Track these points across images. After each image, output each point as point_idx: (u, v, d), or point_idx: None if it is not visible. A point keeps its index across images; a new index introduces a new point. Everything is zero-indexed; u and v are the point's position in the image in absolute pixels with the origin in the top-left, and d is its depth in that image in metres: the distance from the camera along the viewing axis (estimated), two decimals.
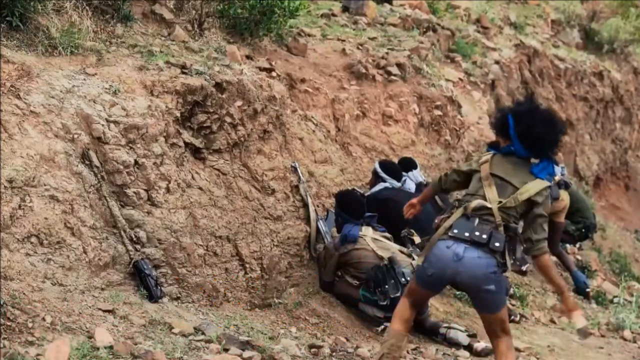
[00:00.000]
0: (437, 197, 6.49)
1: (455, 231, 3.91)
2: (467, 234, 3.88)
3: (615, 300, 8.08)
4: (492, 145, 7.98)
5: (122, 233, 4.56)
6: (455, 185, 4.26)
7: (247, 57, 6.37)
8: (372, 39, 8.36)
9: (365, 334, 5.33)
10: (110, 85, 4.90)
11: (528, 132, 3.92)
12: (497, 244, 3.86)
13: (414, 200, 4.64)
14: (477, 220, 3.89)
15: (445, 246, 3.90)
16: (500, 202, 3.90)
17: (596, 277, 8.70)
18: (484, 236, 3.86)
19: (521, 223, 3.97)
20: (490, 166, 3.99)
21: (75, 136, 4.51)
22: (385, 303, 5.31)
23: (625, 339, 6.86)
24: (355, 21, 8.81)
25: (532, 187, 3.92)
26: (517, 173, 3.98)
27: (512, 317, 6.40)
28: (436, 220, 4.07)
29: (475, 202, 3.92)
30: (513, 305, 6.84)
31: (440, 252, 3.92)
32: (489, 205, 3.90)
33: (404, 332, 4.09)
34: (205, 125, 5.34)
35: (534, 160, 4.04)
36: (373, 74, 7.55)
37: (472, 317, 6.06)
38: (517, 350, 5.50)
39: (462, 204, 3.99)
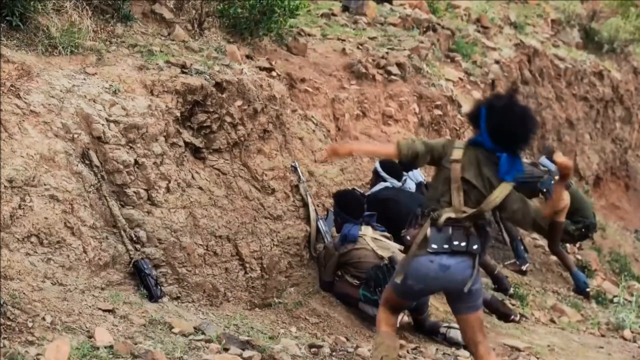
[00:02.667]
0: None
1: (434, 246, 3.83)
2: (446, 246, 3.83)
3: (615, 300, 8.08)
4: None
5: (122, 233, 4.56)
6: (414, 159, 3.96)
7: (247, 56, 6.37)
8: (372, 38, 8.36)
9: (365, 333, 5.33)
10: (110, 85, 4.91)
11: (498, 128, 3.86)
12: (475, 247, 3.85)
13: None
14: (450, 230, 3.82)
15: (429, 260, 3.83)
16: (464, 212, 3.83)
17: (596, 277, 8.70)
18: (463, 244, 3.83)
19: (490, 216, 3.96)
20: (462, 169, 3.85)
21: (75, 136, 4.51)
22: None
23: (625, 339, 6.86)
24: (355, 21, 8.81)
25: (499, 195, 3.84)
26: (484, 175, 3.87)
27: (512, 317, 6.41)
28: (408, 237, 3.96)
29: (444, 216, 3.82)
30: (513, 305, 6.84)
31: (424, 267, 3.85)
32: (455, 217, 3.83)
33: (392, 332, 4.10)
34: (205, 124, 5.34)
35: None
36: (373, 74, 7.55)
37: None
38: (517, 350, 5.51)
39: (429, 213, 3.87)
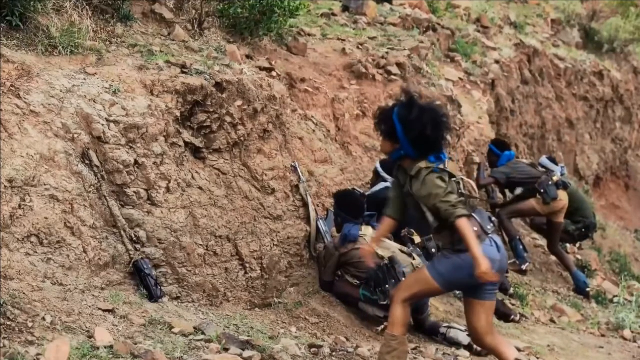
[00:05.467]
0: None
1: (489, 227, 4.05)
2: (490, 227, 4.05)
3: (615, 299, 8.09)
4: (494, 143, 8.02)
5: (122, 233, 4.56)
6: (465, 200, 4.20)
7: (247, 56, 6.37)
8: (372, 38, 8.36)
9: (365, 333, 5.33)
10: (110, 85, 4.90)
11: (419, 138, 3.99)
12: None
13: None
14: (481, 210, 4.08)
15: (487, 246, 3.97)
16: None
17: (596, 277, 8.71)
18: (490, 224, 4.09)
19: None
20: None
21: (75, 136, 4.51)
22: (385, 303, 5.31)
23: (625, 339, 6.87)
24: (355, 21, 8.81)
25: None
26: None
27: (512, 316, 6.41)
28: (475, 228, 3.99)
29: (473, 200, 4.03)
30: (513, 305, 6.84)
31: (490, 252, 3.96)
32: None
33: (406, 334, 4.19)
34: (205, 125, 5.34)
35: None
36: (373, 74, 7.55)
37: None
38: (517, 350, 5.50)
39: (465, 199, 4.04)
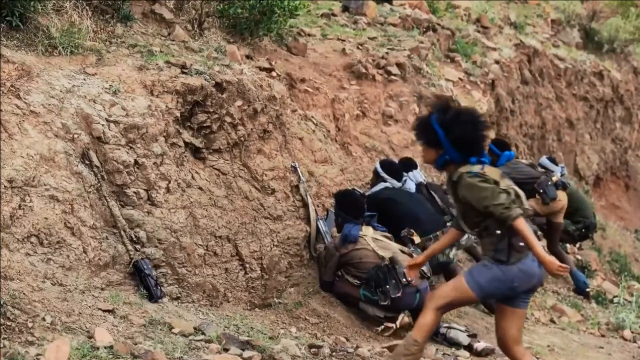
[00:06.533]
0: (436, 197, 6.50)
1: None
2: None
3: (615, 300, 8.09)
4: (494, 143, 8.02)
5: (122, 233, 4.55)
6: (520, 201, 4.08)
7: (247, 57, 6.37)
8: (372, 38, 8.36)
9: (365, 333, 5.33)
10: (110, 85, 4.90)
11: (461, 138, 3.96)
12: None
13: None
14: (529, 222, 4.14)
15: (531, 259, 3.91)
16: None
17: (596, 277, 8.71)
18: None
19: None
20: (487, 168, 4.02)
21: (75, 136, 4.51)
22: (386, 303, 5.31)
23: (625, 339, 6.87)
24: (355, 21, 8.81)
25: None
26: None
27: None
28: (521, 244, 3.92)
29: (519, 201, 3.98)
30: None
31: (531, 268, 3.93)
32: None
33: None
34: (205, 125, 5.34)
35: None
36: (373, 74, 7.56)
37: (472, 317, 6.06)
38: None
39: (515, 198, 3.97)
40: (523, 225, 3.80)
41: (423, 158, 4.29)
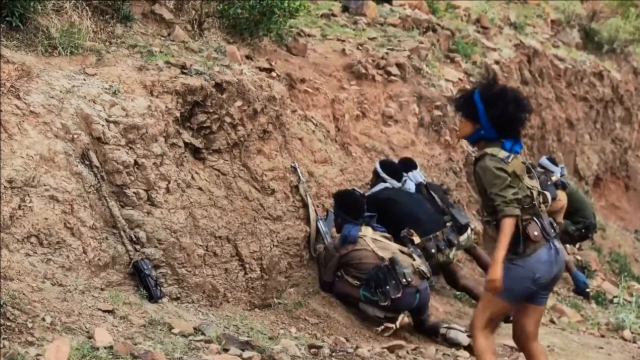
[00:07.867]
0: (436, 197, 6.50)
1: (551, 232, 3.95)
2: (552, 231, 3.96)
3: (615, 300, 8.09)
4: None
5: (122, 233, 4.56)
6: (518, 200, 3.92)
7: (247, 57, 6.37)
8: (372, 39, 8.36)
9: (365, 334, 5.33)
10: (110, 85, 4.91)
11: (501, 115, 3.89)
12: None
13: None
14: (544, 215, 3.95)
15: (547, 249, 3.88)
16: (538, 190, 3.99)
17: (596, 277, 8.70)
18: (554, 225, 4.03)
19: None
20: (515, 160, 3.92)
21: (75, 136, 4.51)
22: (386, 303, 5.31)
23: (625, 339, 6.86)
24: (355, 21, 8.80)
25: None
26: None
27: (512, 317, 6.40)
28: (536, 233, 3.87)
29: (539, 200, 3.92)
30: None
31: (546, 257, 3.88)
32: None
33: None
34: (205, 125, 5.34)
35: None
36: (373, 74, 7.55)
37: (471, 317, 6.05)
38: (518, 350, 5.50)
39: (523, 203, 3.87)
40: (507, 227, 3.76)
41: (458, 131, 4.23)
